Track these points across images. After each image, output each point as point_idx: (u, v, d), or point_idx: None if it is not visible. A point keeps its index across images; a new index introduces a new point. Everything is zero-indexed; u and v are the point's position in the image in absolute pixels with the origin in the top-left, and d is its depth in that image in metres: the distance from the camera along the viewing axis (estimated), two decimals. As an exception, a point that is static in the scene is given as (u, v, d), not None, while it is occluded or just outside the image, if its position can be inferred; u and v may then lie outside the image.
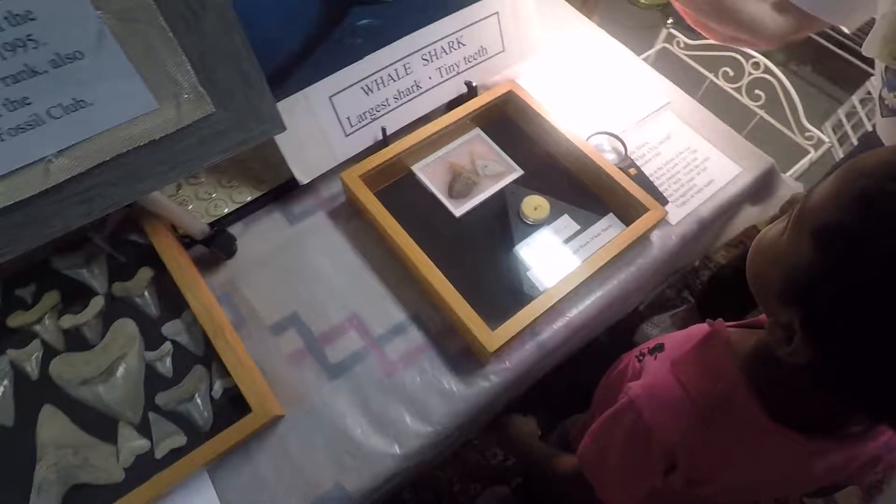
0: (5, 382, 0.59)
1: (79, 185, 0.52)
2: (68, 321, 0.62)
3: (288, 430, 0.62)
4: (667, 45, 1.35)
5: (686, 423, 0.48)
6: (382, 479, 0.61)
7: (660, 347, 0.59)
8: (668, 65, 1.32)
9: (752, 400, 0.45)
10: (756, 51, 1.19)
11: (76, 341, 0.62)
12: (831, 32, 2.05)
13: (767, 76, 1.18)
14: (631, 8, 2.38)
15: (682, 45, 1.31)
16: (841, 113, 1.62)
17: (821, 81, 2.08)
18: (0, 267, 0.60)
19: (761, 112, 1.23)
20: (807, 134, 1.20)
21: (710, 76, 1.31)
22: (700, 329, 0.54)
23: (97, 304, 0.63)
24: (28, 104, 0.45)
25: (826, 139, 1.17)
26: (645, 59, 1.29)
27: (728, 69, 1.26)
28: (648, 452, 0.50)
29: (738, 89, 1.25)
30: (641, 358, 0.61)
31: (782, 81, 1.15)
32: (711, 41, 1.25)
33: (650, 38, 1.41)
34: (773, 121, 1.23)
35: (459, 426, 0.65)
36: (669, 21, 1.30)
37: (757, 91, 1.22)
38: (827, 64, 2.08)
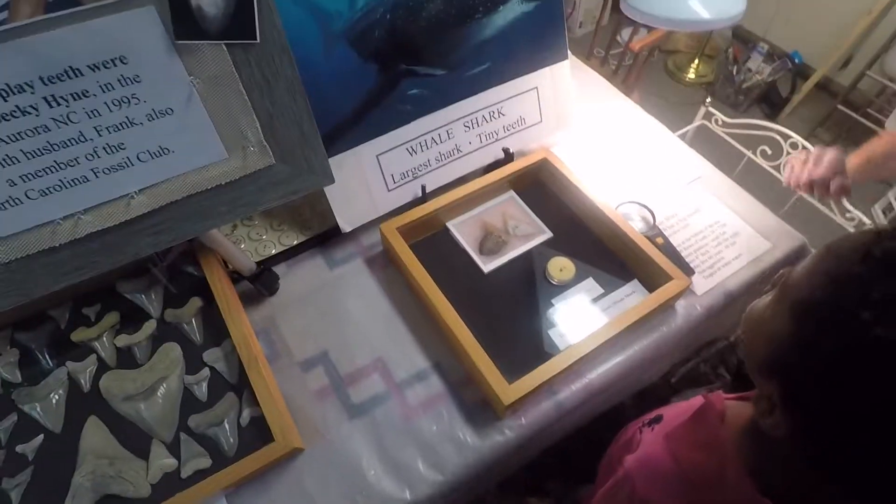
0: (60, 392, 0.65)
1: (152, 219, 0.59)
2: (123, 340, 0.68)
3: (305, 465, 0.65)
4: (705, 122, 1.39)
5: (679, 500, 0.47)
6: (391, 524, 0.61)
7: (658, 419, 0.58)
8: (707, 141, 1.35)
9: (745, 476, 0.44)
10: (794, 131, 1.21)
11: (127, 359, 0.68)
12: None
13: (806, 157, 1.19)
14: (677, 85, 2.45)
15: (720, 122, 1.35)
16: (891, 196, 1.59)
17: (870, 165, 2.05)
18: (73, 286, 0.68)
19: (800, 191, 1.23)
20: (847, 215, 1.18)
21: (748, 153, 1.33)
22: (698, 401, 0.54)
23: (150, 327, 0.69)
24: (123, 149, 0.54)
25: (868, 220, 1.15)
26: (684, 135, 1.33)
27: (766, 147, 1.28)
28: None
29: (776, 167, 1.27)
30: (641, 430, 0.61)
31: (821, 163, 1.16)
32: (748, 120, 1.29)
33: (693, 114, 1.45)
34: (813, 200, 1.23)
35: (471, 478, 0.65)
36: (708, 100, 1.34)
37: (796, 171, 1.23)
38: (877, 148, 2.05)
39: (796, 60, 2.24)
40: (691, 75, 2.43)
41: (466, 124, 0.87)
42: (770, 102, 2.31)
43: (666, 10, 0.79)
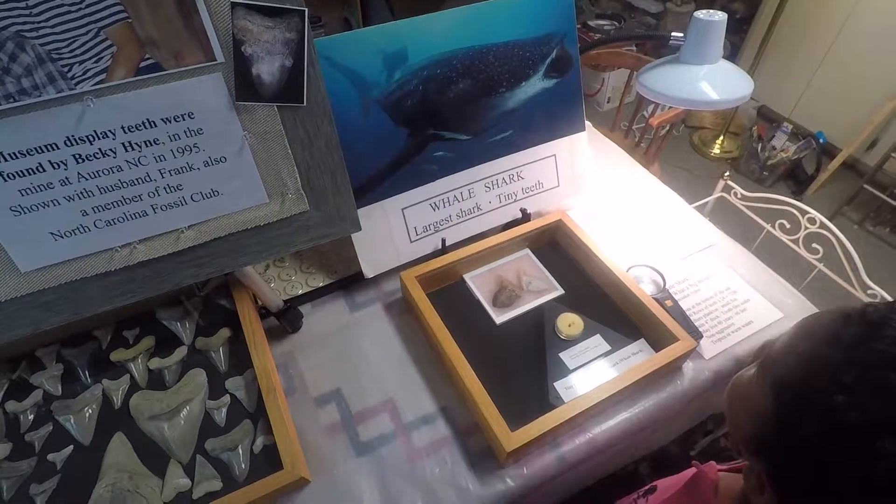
0: (94, 406, 0.70)
1: (196, 252, 0.66)
2: (156, 363, 0.73)
3: (310, 498, 0.67)
4: (724, 195, 1.42)
5: None
6: (387, 565, 0.62)
7: (653, 489, 0.58)
8: (726, 213, 1.38)
9: None
10: (820, 209, 1.24)
11: (157, 381, 0.73)
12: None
13: (823, 231, 1.20)
14: (702, 159, 2.51)
15: (738, 195, 1.38)
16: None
17: (900, 245, 2.03)
18: (117, 310, 0.75)
19: (819, 265, 1.24)
20: (869, 291, 1.18)
21: (767, 226, 1.35)
22: (691, 471, 0.54)
23: (181, 353, 0.75)
24: (180, 189, 0.62)
25: (889, 296, 1.14)
26: (703, 206, 1.37)
27: (784, 221, 1.30)
28: None
29: (795, 241, 1.28)
30: (637, 501, 0.60)
31: (839, 237, 1.17)
32: (766, 194, 1.32)
33: (715, 185, 1.49)
34: (832, 275, 1.23)
35: (470, 526, 0.66)
36: (727, 173, 1.39)
37: (814, 245, 1.24)
38: (907, 229, 2.03)
39: (821, 140, 2.28)
40: (716, 150, 2.49)
41: (487, 185, 0.93)
42: (796, 179, 2.34)
43: (676, 90, 0.86)
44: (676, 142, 2.58)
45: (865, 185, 2.09)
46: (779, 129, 2.31)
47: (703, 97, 0.86)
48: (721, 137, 2.50)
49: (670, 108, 1.56)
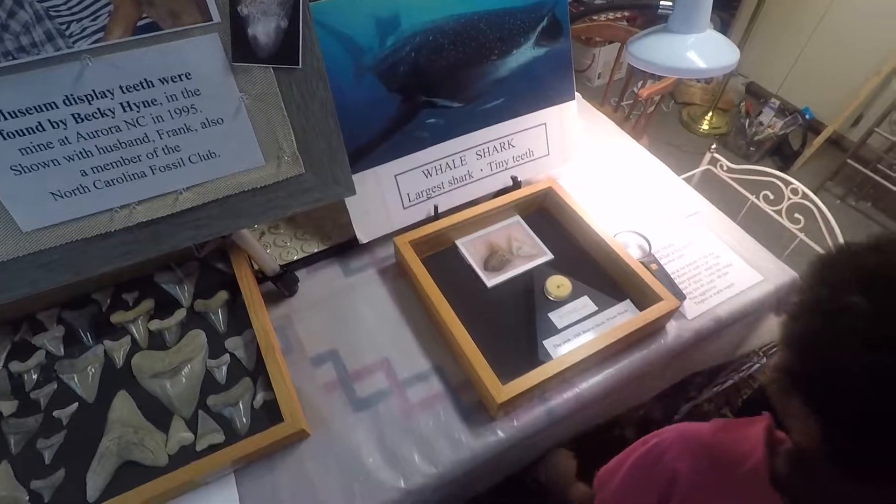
0: (96, 366, 0.72)
1: (194, 214, 0.67)
2: (155, 324, 0.75)
3: (309, 450, 0.69)
4: (711, 168, 1.45)
5: (699, 461, 0.50)
6: (385, 510, 0.65)
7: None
8: (712, 186, 1.41)
9: (764, 465, 0.47)
10: (804, 183, 1.27)
11: (157, 341, 0.75)
12: (889, 172, 2.08)
13: (806, 202, 1.24)
14: (691, 135, 2.54)
15: (724, 168, 1.41)
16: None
17: (881, 218, 2.08)
18: (116, 274, 0.76)
19: (801, 235, 1.28)
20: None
21: (752, 198, 1.38)
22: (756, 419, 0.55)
23: (180, 314, 0.77)
24: (178, 151, 0.63)
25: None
26: (690, 178, 1.40)
27: (769, 192, 1.33)
28: (652, 473, 0.52)
29: (778, 212, 1.32)
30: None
31: (821, 208, 1.21)
32: (751, 166, 1.35)
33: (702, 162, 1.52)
34: (813, 244, 1.27)
35: (462, 474, 0.69)
36: (713, 146, 1.42)
37: (797, 215, 1.28)
38: (886, 201, 2.08)
39: (807, 116, 2.32)
40: (705, 126, 2.52)
41: (478, 153, 0.95)
42: (782, 155, 2.37)
43: (664, 58, 0.87)
44: (666, 118, 2.60)
45: (849, 160, 2.13)
46: (766, 104, 2.33)
47: (690, 65, 0.88)
48: (710, 113, 2.53)
49: (660, 80, 1.58)
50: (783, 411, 0.44)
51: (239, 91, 0.62)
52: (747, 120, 2.34)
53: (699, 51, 0.88)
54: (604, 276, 0.87)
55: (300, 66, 0.62)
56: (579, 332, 0.79)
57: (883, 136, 2.06)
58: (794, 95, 2.47)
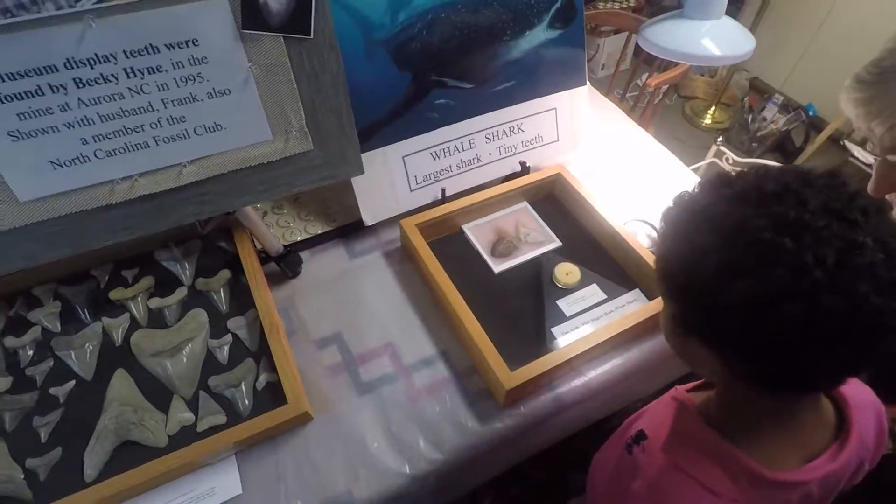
0: (94, 343, 0.70)
1: (198, 189, 0.65)
2: (155, 303, 0.73)
3: (313, 433, 0.68)
4: (716, 160, 1.44)
5: (703, 501, 0.46)
6: (389, 496, 0.64)
7: (642, 435, 0.55)
8: (716, 178, 1.40)
9: (738, 453, 0.46)
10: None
11: (157, 320, 0.73)
12: None
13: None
14: (693, 129, 2.53)
15: (730, 161, 1.40)
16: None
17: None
18: (115, 250, 0.74)
19: None
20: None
21: (757, 193, 1.38)
22: (666, 404, 0.54)
23: (181, 293, 0.75)
24: (183, 121, 0.60)
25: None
26: (696, 170, 1.38)
27: (774, 188, 1.33)
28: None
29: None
30: (630, 450, 0.57)
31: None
32: (756, 160, 1.34)
33: (705, 155, 1.51)
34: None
35: (469, 461, 0.68)
36: (719, 139, 1.40)
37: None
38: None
39: (810, 113, 2.31)
40: (708, 121, 2.51)
41: (488, 136, 0.93)
42: (784, 151, 2.37)
43: (680, 44, 0.86)
44: (669, 111, 2.58)
45: (851, 159, 2.13)
46: (770, 100, 2.32)
47: (705, 52, 0.86)
48: (713, 108, 2.51)
49: (669, 70, 1.56)
50: (688, 357, 0.47)
51: (248, 61, 0.60)
52: (750, 115, 2.33)
53: (714, 38, 0.87)
54: (613, 265, 0.85)
55: (311, 36, 0.60)
56: (588, 320, 0.78)
57: (885, 134, 2.06)
58: (798, 92, 2.46)
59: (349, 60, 0.74)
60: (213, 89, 0.60)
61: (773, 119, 2.29)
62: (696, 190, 0.43)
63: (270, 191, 0.69)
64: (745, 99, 2.37)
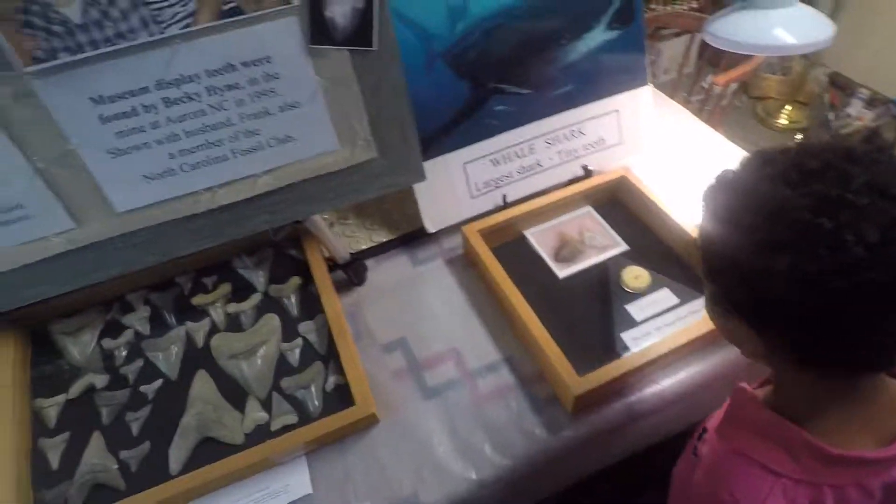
0: (179, 345, 0.75)
1: (272, 198, 0.69)
2: (233, 308, 0.77)
3: (380, 436, 0.69)
4: (795, 160, 1.35)
5: (757, 479, 0.44)
6: (455, 500, 0.63)
7: (704, 431, 0.55)
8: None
9: (796, 430, 0.43)
10: None
11: (234, 324, 0.77)
12: None
13: None
14: (767, 131, 2.38)
15: (812, 160, 1.30)
16: None
17: None
18: (196, 258, 0.79)
19: None
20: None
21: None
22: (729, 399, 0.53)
23: (255, 298, 0.78)
24: (257, 134, 0.64)
25: None
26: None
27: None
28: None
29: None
30: (696, 451, 0.56)
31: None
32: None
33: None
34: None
35: (536, 468, 0.66)
36: (799, 136, 1.31)
37: None
38: None
39: (903, 107, 2.11)
40: (783, 121, 2.35)
41: (548, 141, 0.92)
42: (873, 150, 2.18)
43: (749, 36, 0.81)
44: (739, 114, 2.45)
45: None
46: (854, 95, 2.15)
47: (778, 42, 0.82)
48: (788, 107, 2.36)
49: (737, 67, 1.48)
50: (732, 337, 0.47)
51: (315, 74, 0.63)
52: (833, 113, 2.16)
53: (788, 26, 0.82)
54: (684, 268, 0.81)
55: (375, 47, 0.63)
56: (660, 326, 0.74)
57: None
58: (885, 85, 2.26)
59: (410, 71, 0.77)
60: (285, 103, 0.63)
61: (859, 115, 2.11)
62: (739, 169, 0.43)
63: (338, 199, 0.72)
64: (826, 95, 2.21)
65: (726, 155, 1.03)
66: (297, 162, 0.68)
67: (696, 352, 0.72)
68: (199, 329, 0.76)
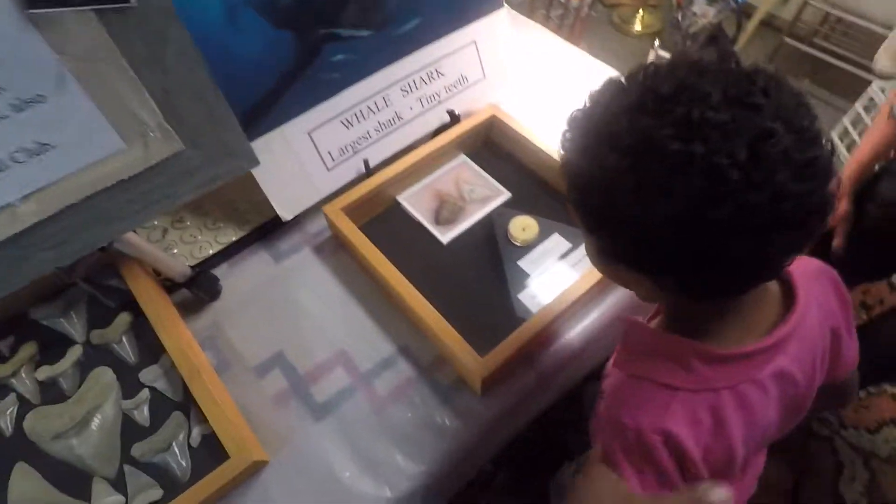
0: (-22, 440, 0.57)
1: (47, 229, 0.51)
2: (44, 372, 0.60)
3: (272, 477, 0.58)
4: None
5: (660, 398, 0.43)
6: (374, 527, 0.56)
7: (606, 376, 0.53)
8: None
9: (683, 340, 0.43)
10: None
11: (52, 393, 0.60)
12: (826, 45, 2.04)
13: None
14: (624, 38, 2.42)
15: (670, 64, 1.31)
16: (846, 121, 1.59)
17: (820, 92, 2.06)
18: (-21, 321, 0.60)
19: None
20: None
21: (703, 92, 1.30)
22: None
23: (75, 353, 0.62)
24: (-10, 149, 0.45)
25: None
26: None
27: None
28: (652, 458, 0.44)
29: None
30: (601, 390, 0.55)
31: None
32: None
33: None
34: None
35: (456, 463, 0.60)
36: (656, 43, 1.31)
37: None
38: (825, 75, 2.06)
39: (738, 0, 2.23)
40: (638, 27, 2.40)
41: (403, 88, 0.80)
42: (718, 45, 2.30)
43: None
44: (595, 24, 2.45)
45: (786, 39, 2.08)
46: (696, -8, 2.22)
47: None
48: (641, 12, 2.40)
49: (589, -23, 1.43)
50: (622, 283, 0.45)
51: (54, 52, 0.45)
52: (680, 13, 2.23)
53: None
54: (571, 206, 0.76)
55: (133, 3, 0.45)
56: (557, 276, 0.69)
57: (815, 6, 2.00)
58: (722, -22, 2.36)
59: (206, 29, 0.60)
60: (18, 99, 0.45)
61: (703, 13, 2.20)
62: (591, 106, 0.40)
63: (145, 210, 0.55)
64: (671, -4, 2.26)
65: (592, 71, 0.98)
66: (69, 176, 0.50)
67: (595, 297, 0.68)
68: (2, 412, 0.58)
